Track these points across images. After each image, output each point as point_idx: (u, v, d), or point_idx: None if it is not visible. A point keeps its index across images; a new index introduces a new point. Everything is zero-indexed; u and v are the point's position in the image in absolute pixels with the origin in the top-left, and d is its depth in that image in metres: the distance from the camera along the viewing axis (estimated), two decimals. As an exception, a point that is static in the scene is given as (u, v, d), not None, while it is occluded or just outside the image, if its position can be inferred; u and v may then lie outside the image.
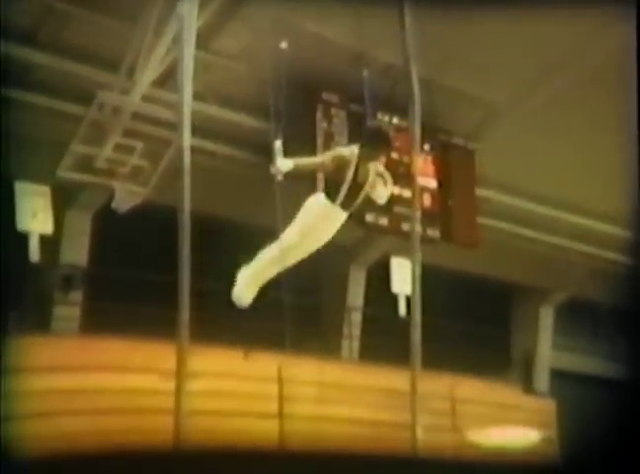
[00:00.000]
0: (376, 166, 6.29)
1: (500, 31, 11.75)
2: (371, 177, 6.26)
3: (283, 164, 6.25)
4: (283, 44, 7.44)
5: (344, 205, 6.28)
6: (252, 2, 10.74)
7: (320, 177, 9.97)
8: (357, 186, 6.25)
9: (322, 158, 6.55)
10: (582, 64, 12.63)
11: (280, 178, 6.28)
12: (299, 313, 11.37)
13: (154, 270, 10.69)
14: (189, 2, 5.55)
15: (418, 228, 6.66)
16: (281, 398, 10.94)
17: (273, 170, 6.26)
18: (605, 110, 13.17)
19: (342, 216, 6.33)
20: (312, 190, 7.39)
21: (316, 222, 6.28)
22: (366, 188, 6.26)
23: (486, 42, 11.96)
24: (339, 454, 5.19)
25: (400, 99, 8.37)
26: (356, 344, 14.04)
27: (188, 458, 4.85)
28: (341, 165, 6.22)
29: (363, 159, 6.23)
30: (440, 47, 11.15)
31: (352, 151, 6.29)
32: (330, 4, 10.52)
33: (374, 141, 6.34)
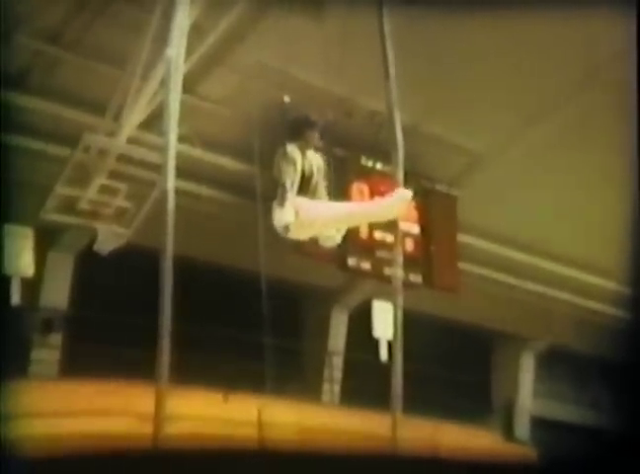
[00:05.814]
0: (314, 155, 6.20)
1: (483, 80, 11.94)
2: (315, 167, 6.18)
3: (287, 216, 5.87)
4: (287, 98, 7.26)
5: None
6: (238, 48, 10.86)
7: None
8: (306, 178, 6.14)
9: (293, 171, 6.25)
10: (565, 114, 12.82)
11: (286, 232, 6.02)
12: (280, 356, 11.36)
13: (135, 312, 10.64)
14: (176, 47, 5.63)
15: (400, 273, 6.65)
16: (261, 441, 10.84)
17: (280, 229, 5.98)
18: (588, 158, 13.36)
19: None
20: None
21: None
22: (314, 178, 6.16)
23: (469, 92, 12.13)
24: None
25: (384, 145, 8.46)
26: (336, 387, 13.98)
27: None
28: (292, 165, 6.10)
29: (303, 150, 6.13)
30: (424, 95, 11.29)
31: (292, 149, 6.15)
32: (316, 50, 10.67)
33: (298, 128, 6.21)
